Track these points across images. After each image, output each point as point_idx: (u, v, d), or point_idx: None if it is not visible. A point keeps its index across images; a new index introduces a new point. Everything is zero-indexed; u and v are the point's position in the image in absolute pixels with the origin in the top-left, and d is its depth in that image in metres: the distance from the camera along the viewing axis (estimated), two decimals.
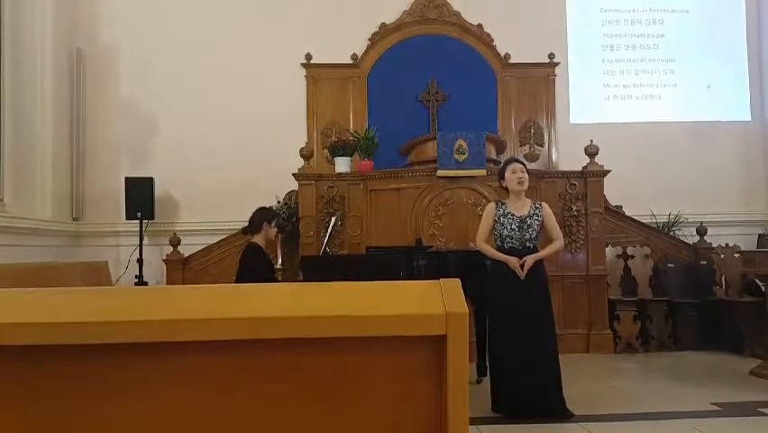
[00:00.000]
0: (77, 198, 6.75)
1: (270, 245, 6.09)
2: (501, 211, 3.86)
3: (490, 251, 3.86)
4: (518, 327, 3.65)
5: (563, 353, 3.94)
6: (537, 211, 3.85)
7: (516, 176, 3.84)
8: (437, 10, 7.24)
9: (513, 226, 3.80)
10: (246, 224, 4.81)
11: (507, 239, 3.80)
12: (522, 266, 3.70)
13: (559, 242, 3.92)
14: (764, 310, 4.87)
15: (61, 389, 1.02)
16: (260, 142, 6.71)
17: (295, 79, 7.07)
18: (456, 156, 5.47)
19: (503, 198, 4.02)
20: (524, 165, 3.93)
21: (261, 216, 4.66)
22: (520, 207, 3.86)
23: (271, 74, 6.94)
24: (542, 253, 3.79)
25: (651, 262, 6.19)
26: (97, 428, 1.02)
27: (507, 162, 4.01)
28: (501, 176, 3.95)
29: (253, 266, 4.47)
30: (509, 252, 3.78)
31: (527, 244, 3.79)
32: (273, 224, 4.70)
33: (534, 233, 3.81)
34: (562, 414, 3.59)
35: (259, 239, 4.62)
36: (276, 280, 4.84)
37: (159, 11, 7.00)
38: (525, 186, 3.86)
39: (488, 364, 3.99)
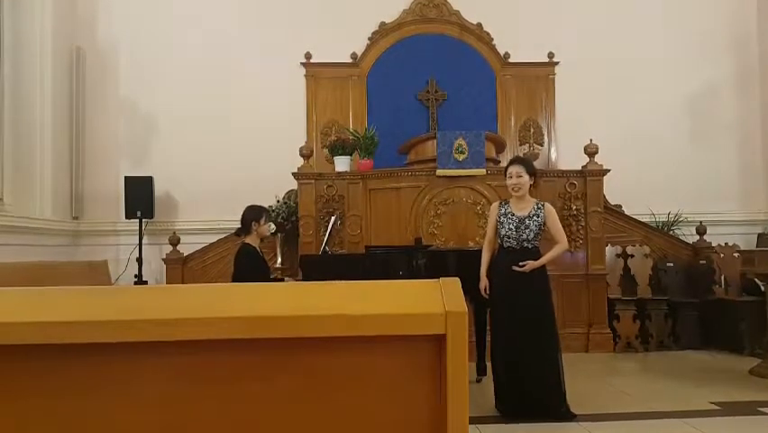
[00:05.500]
0: (76, 197, 6.74)
1: (270, 244, 6.11)
2: (503, 210, 3.87)
3: (483, 261, 3.96)
4: (517, 328, 3.65)
5: (563, 352, 3.93)
6: (539, 212, 3.82)
7: (510, 182, 3.83)
8: (437, 9, 7.23)
9: (511, 226, 3.80)
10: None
11: (506, 238, 3.81)
12: (487, 287, 3.89)
13: (561, 246, 3.85)
14: (764, 309, 4.87)
15: (59, 388, 1.02)
16: (259, 140, 6.70)
17: (294, 78, 7.07)
18: (456, 155, 5.47)
19: (509, 197, 3.98)
20: (524, 167, 3.85)
21: (249, 216, 4.50)
22: (522, 207, 3.85)
23: (271, 73, 6.94)
24: (542, 260, 3.77)
25: (650, 262, 6.19)
26: (97, 427, 1.02)
27: (508, 164, 3.99)
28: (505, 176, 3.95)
29: (246, 268, 4.36)
30: (507, 251, 3.80)
31: (525, 245, 3.78)
32: (263, 221, 4.49)
33: (532, 234, 3.78)
34: (563, 415, 3.59)
35: (251, 239, 4.48)
36: (273, 281, 4.74)
37: (158, 10, 7.00)
38: (522, 192, 3.83)
39: (488, 364, 4.00)
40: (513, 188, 3.82)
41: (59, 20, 6.45)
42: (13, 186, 5.91)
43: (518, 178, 3.80)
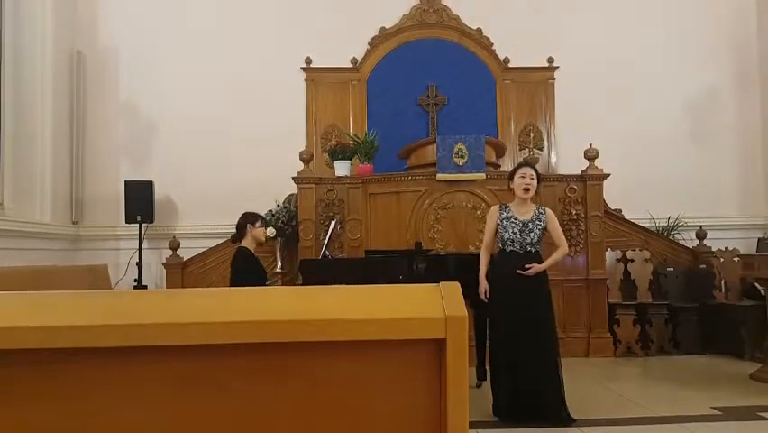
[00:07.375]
0: (76, 201, 6.75)
1: (270, 248, 6.11)
2: (505, 214, 3.87)
3: (481, 264, 3.95)
4: (517, 332, 3.65)
5: (563, 356, 3.94)
6: (540, 216, 3.84)
7: (523, 181, 3.82)
8: (436, 14, 7.26)
9: (515, 230, 3.80)
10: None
11: (509, 242, 3.81)
12: (490, 290, 3.88)
13: (562, 249, 3.90)
14: (764, 314, 4.87)
15: (60, 392, 1.01)
16: (259, 145, 6.71)
17: (295, 83, 7.09)
18: (456, 160, 5.48)
19: (507, 201, 4.02)
20: (535, 170, 3.89)
21: (243, 220, 4.55)
22: (524, 211, 3.86)
23: (271, 78, 6.95)
24: (546, 264, 3.79)
25: (650, 266, 6.18)
26: (97, 431, 1.02)
27: (519, 165, 4.00)
28: (511, 177, 3.93)
29: (242, 270, 4.39)
30: (510, 255, 3.80)
31: (528, 249, 3.79)
32: (258, 224, 4.54)
33: (536, 237, 3.81)
34: (563, 420, 3.58)
35: (247, 243, 4.52)
36: (270, 284, 4.76)
37: (159, 15, 7.02)
38: (531, 194, 3.84)
39: (487, 368, 4.00)
40: (524, 188, 3.81)
41: (60, 24, 6.47)
42: (14, 190, 5.92)
43: (531, 179, 3.83)
